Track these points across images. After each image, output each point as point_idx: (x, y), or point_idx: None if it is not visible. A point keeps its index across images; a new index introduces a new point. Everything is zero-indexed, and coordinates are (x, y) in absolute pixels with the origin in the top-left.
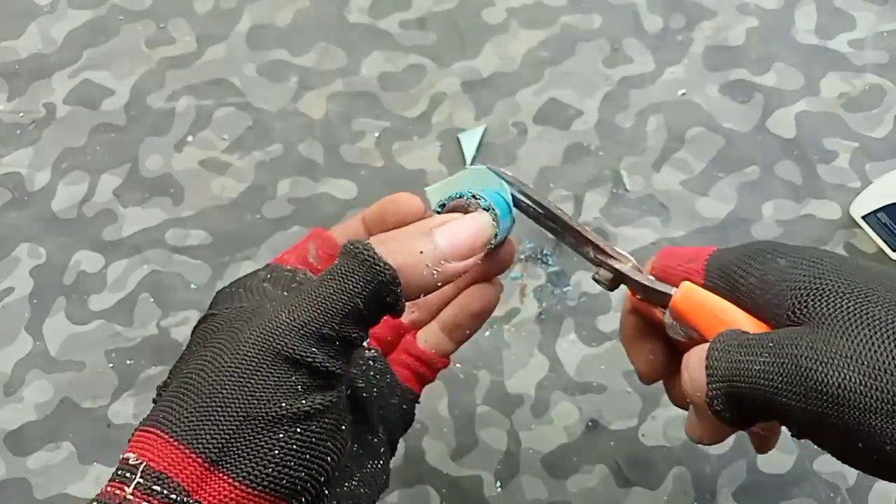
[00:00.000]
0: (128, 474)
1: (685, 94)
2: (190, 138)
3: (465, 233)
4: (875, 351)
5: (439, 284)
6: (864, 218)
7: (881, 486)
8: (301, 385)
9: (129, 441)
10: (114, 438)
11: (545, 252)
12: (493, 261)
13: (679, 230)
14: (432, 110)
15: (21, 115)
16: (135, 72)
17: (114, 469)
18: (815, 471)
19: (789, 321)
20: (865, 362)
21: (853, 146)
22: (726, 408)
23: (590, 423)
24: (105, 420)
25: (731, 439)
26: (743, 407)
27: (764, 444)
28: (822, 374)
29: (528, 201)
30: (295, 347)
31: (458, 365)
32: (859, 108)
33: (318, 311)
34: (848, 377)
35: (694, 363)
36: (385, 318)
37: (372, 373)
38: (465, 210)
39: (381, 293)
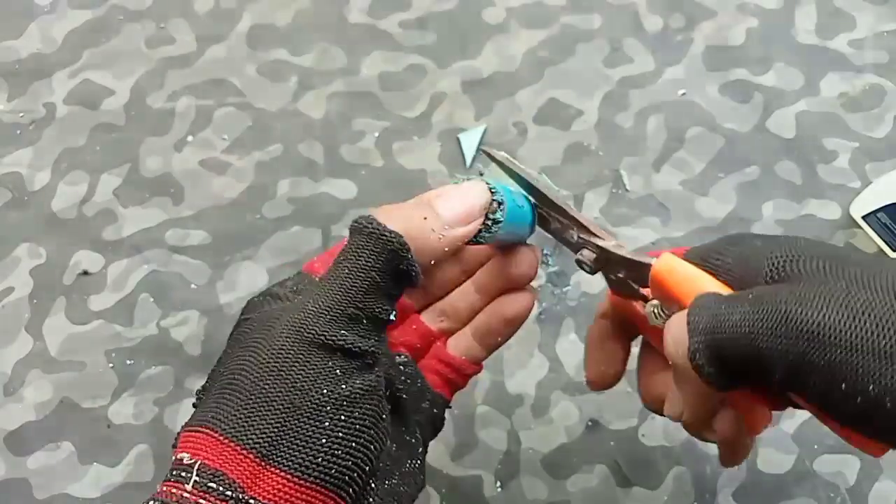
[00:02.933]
0: (183, 473)
1: (685, 94)
2: (190, 138)
3: (461, 198)
4: (853, 297)
5: (447, 250)
6: (864, 218)
7: (881, 485)
8: (339, 369)
9: (177, 442)
10: (114, 438)
11: (545, 252)
12: (517, 265)
13: (679, 230)
14: (432, 110)
15: (21, 115)
16: (135, 72)
17: (168, 471)
18: (815, 471)
19: (766, 283)
20: (845, 305)
21: (853, 146)
22: (708, 361)
23: (590, 423)
24: (105, 420)
25: None
26: (725, 360)
27: (730, 455)
28: (804, 314)
29: (524, 179)
30: (326, 333)
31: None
32: (859, 108)
33: (340, 292)
34: (829, 316)
35: (675, 324)
36: (414, 326)
37: (403, 377)
38: None
39: (394, 262)
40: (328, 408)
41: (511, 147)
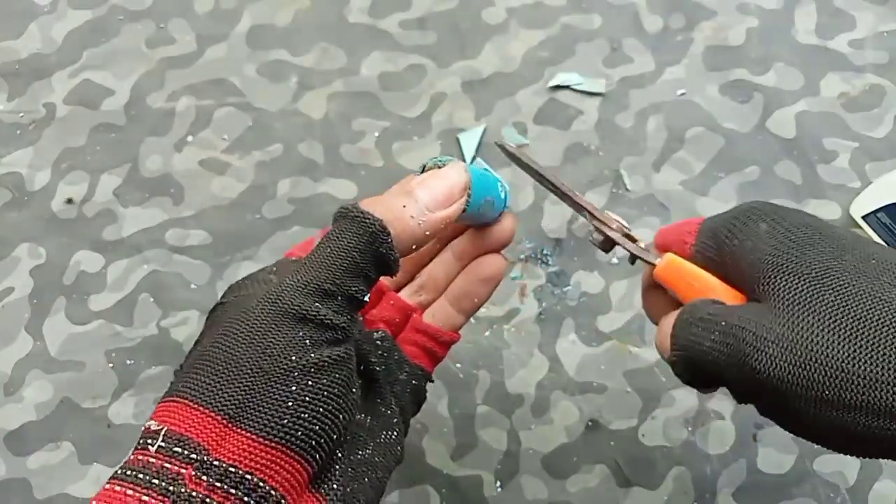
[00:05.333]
0: (149, 440)
1: (685, 94)
2: (190, 138)
3: (441, 182)
4: (811, 340)
5: (427, 233)
6: (864, 218)
7: (881, 485)
8: (309, 339)
9: (152, 415)
10: (114, 438)
11: (545, 252)
12: (495, 232)
13: None
14: (432, 110)
15: (21, 115)
16: (135, 72)
17: (115, 467)
18: (815, 471)
19: (754, 294)
20: (798, 348)
21: (853, 146)
22: (684, 372)
23: (590, 423)
24: (105, 420)
25: (731, 440)
26: (697, 373)
27: None
28: (757, 362)
29: (532, 168)
30: (301, 305)
31: (458, 365)
32: (859, 108)
33: (319, 269)
34: (778, 365)
35: (665, 328)
36: (392, 301)
37: (380, 351)
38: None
39: (374, 244)
40: (296, 373)
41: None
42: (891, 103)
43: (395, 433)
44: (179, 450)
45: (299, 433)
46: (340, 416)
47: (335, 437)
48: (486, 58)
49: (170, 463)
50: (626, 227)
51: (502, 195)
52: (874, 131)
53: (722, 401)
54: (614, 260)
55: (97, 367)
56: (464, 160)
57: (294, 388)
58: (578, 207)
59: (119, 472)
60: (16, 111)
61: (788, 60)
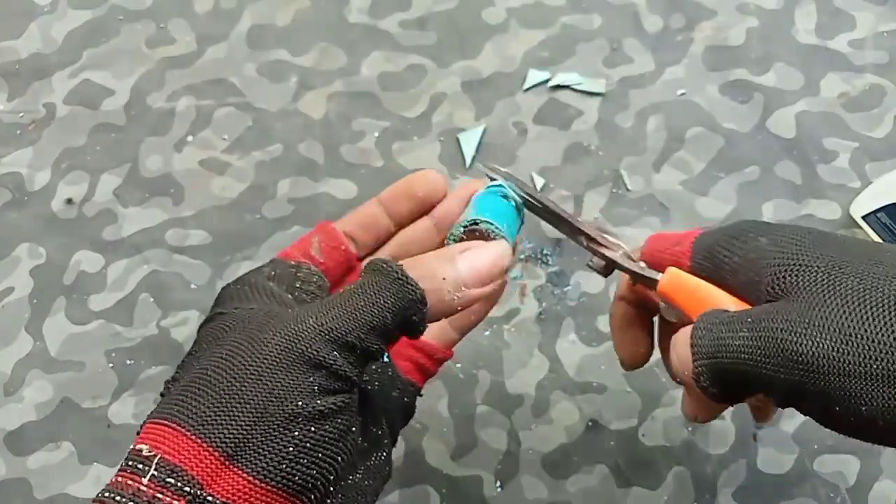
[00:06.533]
0: (140, 465)
1: (685, 94)
2: (190, 138)
3: (485, 261)
4: (845, 319)
5: (459, 309)
6: (864, 218)
7: (881, 485)
8: (318, 386)
9: (140, 432)
10: (114, 438)
11: (545, 252)
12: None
13: (679, 230)
14: (432, 110)
15: (21, 115)
16: (135, 72)
17: (123, 460)
18: (815, 471)
19: (768, 296)
20: (837, 329)
21: (853, 146)
22: (712, 383)
23: (590, 423)
24: (105, 420)
25: (731, 440)
26: (727, 381)
27: (763, 415)
28: (797, 344)
29: (525, 196)
30: (319, 350)
31: (458, 365)
32: (859, 108)
33: (347, 320)
34: (821, 345)
35: (680, 343)
36: None
37: (375, 367)
38: (485, 237)
39: (409, 311)
40: (300, 419)
41: (511, 147)
42: (891, 103)
43: (385, 453)
44: (172, 481)
45: (296, 478)
46: (339, 459)
47: (332, 478)
48: (486, 58)
49: (162, 493)
50: (624, 247)
51: (517, 226)
52: (874, 131)
53: None
54: None
55: (97, 367)
56: (464, 160)
57: (297, 433)
58: (575, 231)
59: (108, 494)
60: (16, 111)
61: (788, 60)
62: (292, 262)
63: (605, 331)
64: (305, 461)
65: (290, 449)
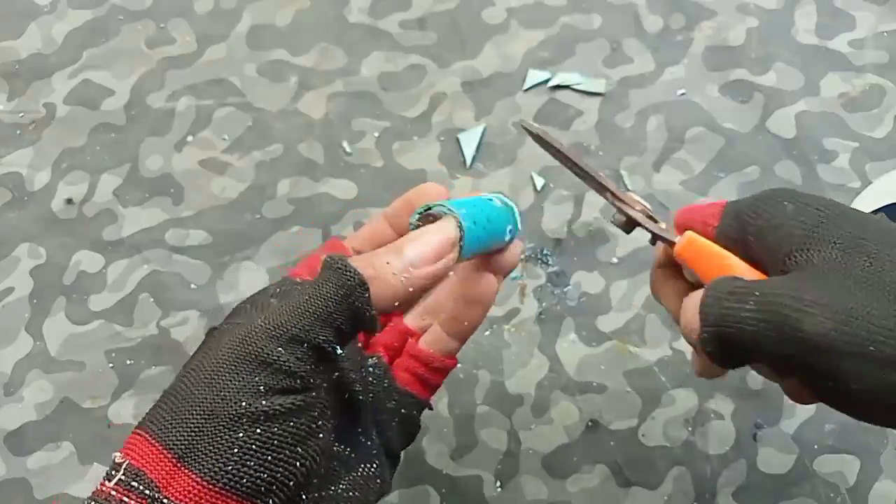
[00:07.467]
0: (113, 472)
1: (685, 94)
2: (190, 138)
3: (430, 238)
4: (850, 298)
5: (411, 290)
6: None
7: (881, 485)
8: (263, 385)
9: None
10: (114, 438)
11: (545, 252)
12: (500, 260)
13: None
14: (432, 110)
15: (21, 115)
16: (135, 72)
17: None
18: (815, 471)
19: (783, 266)
20: (839, 309)
21: (853, 146)
22: (716, 349)
23: (590, 423)
24: (105, 420)
25: (731, 440)
26: (731, 349)
27: (798, 395)
28: (799, 322)
29: (555, 149)
30: (263, 348)
31: (458, 365)
32: (859, 108)
33: (292, 315)
34: (821, 323)
35: (690, 308)
36: (393, 324)
37: (370, 378)
38: (436, 220)
39: (350, 298)
40: (244, 420)
41: (511, 147)
42: (891, 103)
43: (375, 465)
44: (136, 484)
45: (244, 480)
46: (297, 464)
47: (292, 483)
48: (486, 58)
49: (128, 497)
50: (648, 209)
51: (509, 228)
52: (874, 131)
53: (722, 401)
54: (614, 259)
55: (97, 367)
56: (464, 160)
57: (241, 434)
58: (601, 188)
59: (85, 502)
60: (16, 111)
61: (788, 60)
62: (298, 280)
63: (606, 331)
64: (252, 463)
65: (235, 450)
